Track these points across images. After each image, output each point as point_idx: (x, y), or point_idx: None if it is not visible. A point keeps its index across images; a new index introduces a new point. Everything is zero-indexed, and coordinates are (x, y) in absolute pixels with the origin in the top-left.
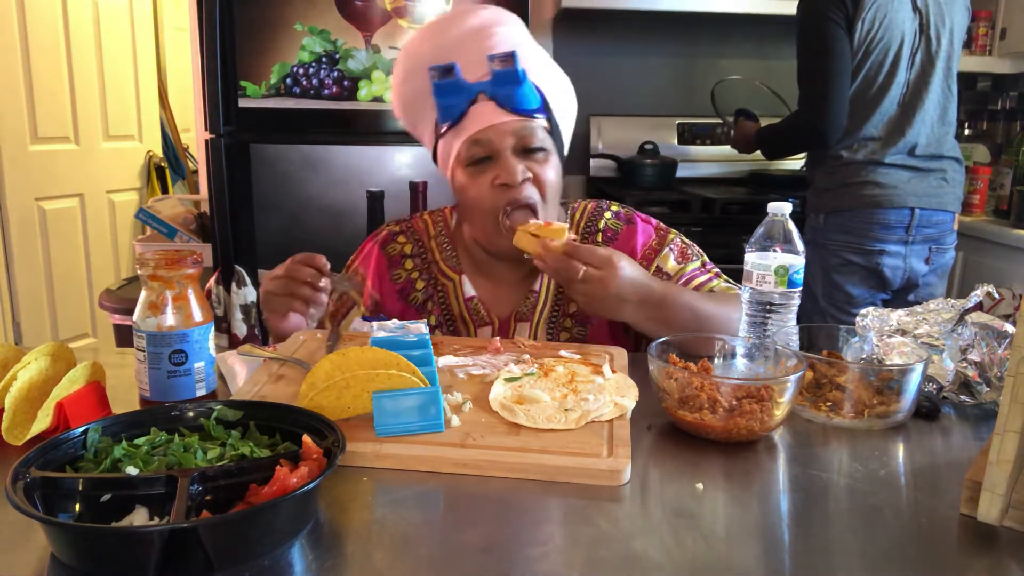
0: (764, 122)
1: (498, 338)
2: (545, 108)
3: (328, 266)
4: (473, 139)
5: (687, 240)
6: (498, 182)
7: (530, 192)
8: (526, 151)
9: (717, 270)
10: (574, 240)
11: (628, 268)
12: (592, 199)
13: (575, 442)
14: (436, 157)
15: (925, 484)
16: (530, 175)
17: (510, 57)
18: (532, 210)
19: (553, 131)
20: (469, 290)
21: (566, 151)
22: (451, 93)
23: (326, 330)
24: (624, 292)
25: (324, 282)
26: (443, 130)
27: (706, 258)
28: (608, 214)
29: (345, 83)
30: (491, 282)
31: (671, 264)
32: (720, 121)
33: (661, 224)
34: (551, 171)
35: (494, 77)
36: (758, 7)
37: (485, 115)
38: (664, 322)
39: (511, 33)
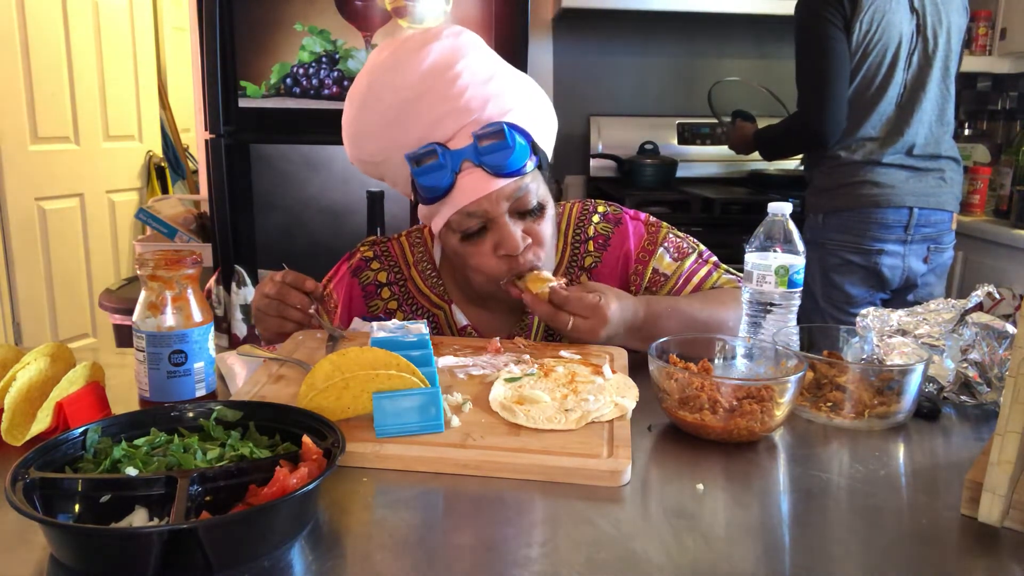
0: (761, 123)
1: (498, 339)
2: (533, 150)
3: (319, 289)
4: (465, 211)
5: (679, 233)
6: (500, 252)
7: (532, 258)
8: (522, 212)
9: (715, 259)
10: (561, 287)
11: (615, 308)
12: (579, 199)
13: (575, 443)
14: (415, 208)
15: (925, 485)
16: (530, 240)
17: (499, 132)
18: (532, 271)
19: (542, 166)
20: (461, 319)
21: (550, 157)
22: (435, 171)
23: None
24: (612, 330)
25: (314, 306)
26: (427, 201)
27: (702, 247)
28: (596, 217)
29: (345, 83)
30: (484, 310)
31: (667, 263)
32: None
33: (651, 218)
34: (548, 225)
35: (480, 148)
36: (758, 7)
37: (477, 186)
38: (650, 339)
39: (475, 66)
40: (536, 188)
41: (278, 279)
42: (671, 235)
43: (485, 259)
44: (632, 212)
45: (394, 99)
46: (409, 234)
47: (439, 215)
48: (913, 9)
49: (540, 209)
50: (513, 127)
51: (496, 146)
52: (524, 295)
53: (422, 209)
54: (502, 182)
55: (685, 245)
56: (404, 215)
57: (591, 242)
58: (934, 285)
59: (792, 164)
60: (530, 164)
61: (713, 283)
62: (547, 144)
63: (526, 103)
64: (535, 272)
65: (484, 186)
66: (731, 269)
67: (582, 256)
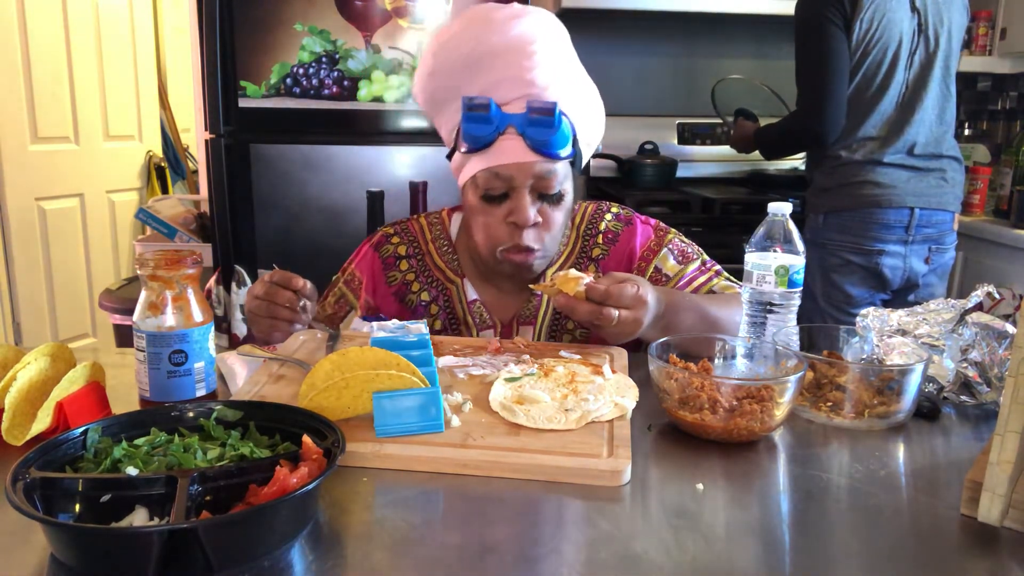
0: (763, 122)
1: (498, 338)
2: (573, 143)
3: (308, 286)
4: (494, 171)
5: (686, 239)
6: (509, 220)
7: (534, 237)
8: (543, 195)
9: (718, 267)
10: (594, 282)
11: (651, 296)
12: (593, 200)
13: (575, 442)
14: (449, 156)
15: (925, 484)
16: (540, 219)
17: (550, 110)
18: (530, 252)
19: (576, 162)
20: (472, 293)
21: (583, 164)
22: (482, 123)
23: (326, 329)
24: (649, 319)
25: (303, 303)
26: (464, 148)
27: (706, 256)
28: (608, 216)
29: (345, 83)
30: (493, 287)
31: (671, 264)
32: (720, 121)
33: (660, 224)
34: (561, 213)
35: (530, 120)
36: (758, 7)
37: (512, 152)
38: (668, 330)
39: (552, 52)
40: (563, 178)
41: (266, 279)
42: (677, 239)
43: (494, 222)
44: (644, 217)
45: (475, 49)
46: (428, 215)
47: (469, 165)
48: (914, 8)
49: (559, 198)
50: (563, 114)
51: (544, 121)
52: (557, 299)
53: (456, 158)
54: (536, 158)
55: (690, 250)
56: (404, 215)
57: (601, 236)
58: (935, 286)
59: (793, 164)
60: (565, 153)
61: (712, 287)
62: (587, 147)
63: (582, 102)
64: (563, 273)
65: (519, 154)
66: (731, 277)
67: (591, 248)
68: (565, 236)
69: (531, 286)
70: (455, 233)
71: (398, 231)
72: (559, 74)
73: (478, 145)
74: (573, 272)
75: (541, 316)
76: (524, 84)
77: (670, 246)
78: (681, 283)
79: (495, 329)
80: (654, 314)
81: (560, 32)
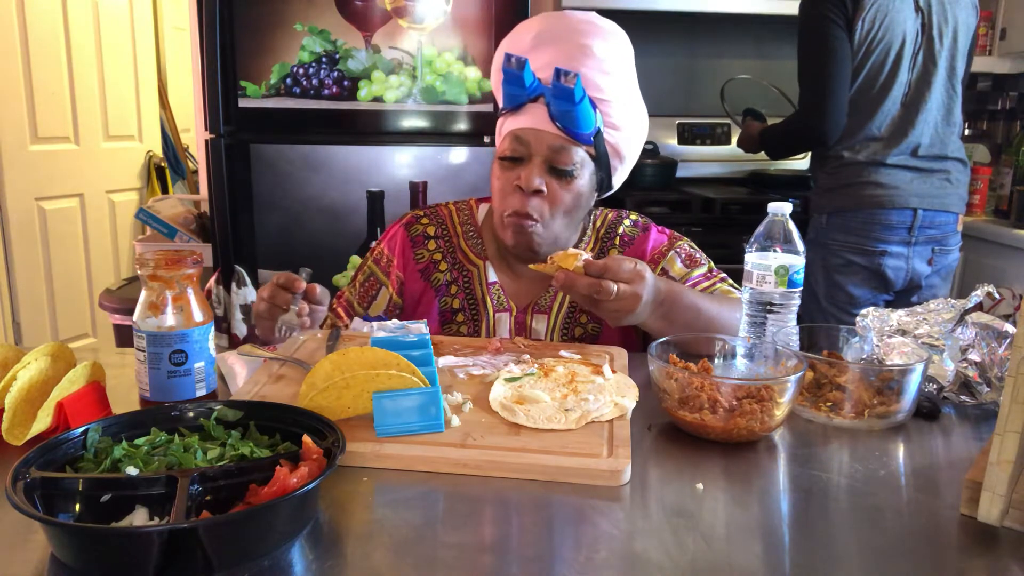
0: (771, 122)
1: (497, 338)
2: (597, 135)
3: (318, 290)
4: (515, 134)
5: (695, 246)
6: (515, 183)
7: (536, 207)
8: (554, 168)
9: (723, 275)
10: (589, 258)
11: (649, 273)
12: (612, 208)
13: (575, 442)
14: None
15: (925, 484)
16: (544, 190)
17: (573, 77)
18: (529, 219)
19: (599, 159)
20: (492, 275)
21: (618, 182)
22: (515, 84)
23: (326, 329)
24: (648, 296)
25: (304, 306)
26: (503, 110)
27: (713, 264)
28: (627, 222)
29: (345, 83)
30: (513, 272)
31: (677, 267)
32: (724, 120)
33: (675, 233)
34: (569, 194)
35: (554, 88)
36: (758, 7)
37: (534, 118)
38: (668, 319)
39: (609, 58)
40: (578, 161)
41: (273, 281)
42: (686, 245)
43: (506, 187)
44: (660, 227)
45: (543, 31)
46: (457, 202)
47: (503, 128)
48: (918, 8)
49: (570, 178)
50: (591, 99)
51: (565, 92)
52: (557, 275)
53: (500, 122)
54: (554, 131)
55: (698, 255)
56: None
57: (618, 238)
58: (939, 287)
59: (793, 164)
60: (584, 135)
61: (713, 291)
62: (618, 160)
63: (624, 113)
64: (563, 251)
65: (539, 123)
66: (736, 285)
67: (607, 249)
68: (588, 238)
69: (531, 266)
70: (481, 218)
71: (428, 213)
72: (608, 78)
73: (510, 104)
74: (572, 249)
75: (557, 307)
76: (554, 71)
77: (678, 249)
78: (686, 284)
79: (510, 312)
80: (653, 294)
81: (626, 49)
